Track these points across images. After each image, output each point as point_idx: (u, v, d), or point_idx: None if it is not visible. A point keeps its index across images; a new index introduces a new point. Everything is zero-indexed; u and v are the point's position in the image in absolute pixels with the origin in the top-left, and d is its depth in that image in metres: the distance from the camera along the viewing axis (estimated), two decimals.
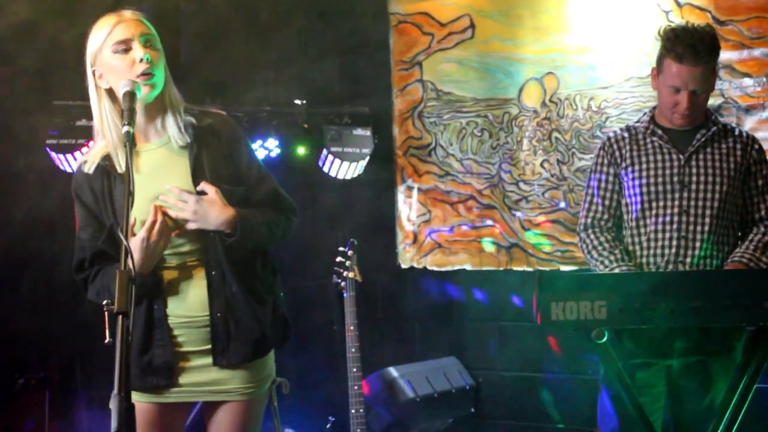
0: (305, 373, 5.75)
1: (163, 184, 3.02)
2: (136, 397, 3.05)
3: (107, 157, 3.07)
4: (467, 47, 5.81)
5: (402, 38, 6.03)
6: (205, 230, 3.04)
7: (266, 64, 6.08)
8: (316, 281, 5.86)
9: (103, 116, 3.05)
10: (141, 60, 2.94)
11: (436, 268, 5.94)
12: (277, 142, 5.73)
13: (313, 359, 5.78)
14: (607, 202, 3.90)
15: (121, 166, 3.04)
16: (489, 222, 5.76)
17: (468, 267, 5.83)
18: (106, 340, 2.53)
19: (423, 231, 5.98)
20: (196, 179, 3.07)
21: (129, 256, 2.54)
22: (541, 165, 5.59)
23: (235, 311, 3.10)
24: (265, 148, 5.66)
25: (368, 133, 5.74)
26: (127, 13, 3.04)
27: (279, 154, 5.73)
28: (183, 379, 3.12)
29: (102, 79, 3.03)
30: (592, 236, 3.88)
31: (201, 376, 3.12)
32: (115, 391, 2.33)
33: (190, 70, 5.94)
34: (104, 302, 2.49)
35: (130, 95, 2.89)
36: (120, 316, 2.45)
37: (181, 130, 3.07)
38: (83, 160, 3.12)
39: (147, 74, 2.95)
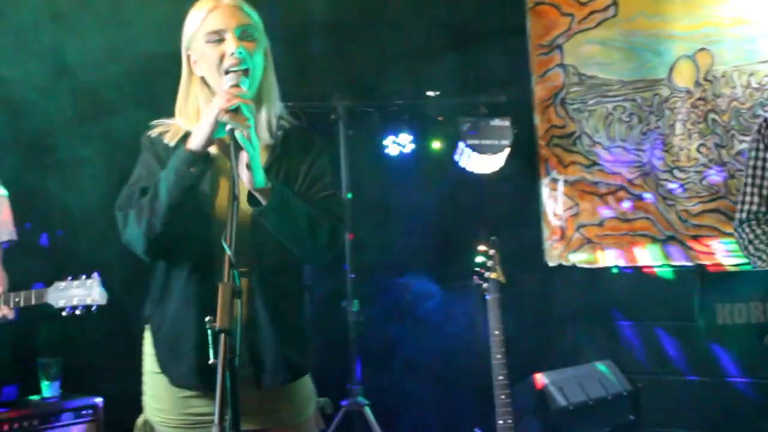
0: (448, 381, 5.49)
1: (228, 174, 2.72)
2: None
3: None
4: (610, 26, 5.42)
5: (540, 21, 5.68)
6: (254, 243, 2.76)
7: (396, 55, 5.84)
8: (457, 282, 5.58)
9: (191, 100, 2.86)
10: (232, 53, 2.73)
11: (586, 266, 5.58)
12: (410, 137, 5.52)
13: (456, 367, 5.51)
14: (765, 192, 3.58)
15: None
16: (642, 214, 5.34)
17: (621, 263, 5.43)
18: (211, 361, 2.29)
19: (571, 226, 5.61)
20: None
21: (231, 266, 2.31)
22: (698, 150, 5.15)
23: (258, 330, 2.79)
24: (398, 144, 5.46)
25: (507, 123, 5.40)
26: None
27: (413, 150, 5.51)
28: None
29: (196, 65, 2.84)
30: (747, 230, 3.57)
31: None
32: (216, 419, 2.07)
33: (319, 65, 5.77)
34: (206, 319, 2.27)
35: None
36: (222, 335, 2.21)
37: (272, 128, 2.87)
38: (163, 131, 2.88)
39: (238, 71, 2.72)
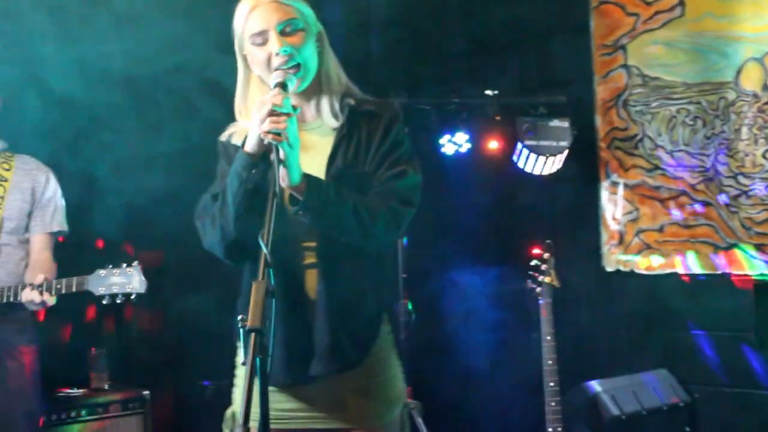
0: (498, 386, 5.40)
1: (302, 166, 2.72)
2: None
3: None
4: (676, 27, 5.26)
5: (604, 20, 5.54)
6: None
7: (456, 53, 5.77)
8: (512, 285, 5.49)
9: (250, 99, 2.85)
10: (277, 54, 2.70)
11: (644, 272, 5.42)
12: (467, 136, 5.44)
13: (508, 371, 5.41)
14: None
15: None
16: (703, 220, 5.18)
17: (681, 270, 5.27)
18: (241, 361, 2.25)
19: (630, 230, 5.47)
20: (331, 163, 2.78)
21: (267, 265, 2.29)
22: (764, 156, 4.98)
23: (315, 315, 2.77)
24: (454, 143, 5.39)
25: (566, 124, 5.29)
26: None
27: (469, 149, 5.45)
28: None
29: (253, 64, 2.82)
30: None
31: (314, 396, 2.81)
32: (240, 421, 2.02)
33: (377, 62, 5.73)
34: (239, 317, 2.23)
35: (282, 87, 2.63)
36: (252, 334, 2.18)
37: (336, 113, 2.82)
38: (232, 132, 2.89)
39: (287, 69, 2.68)
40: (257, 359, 2.16)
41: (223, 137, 2.88)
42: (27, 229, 4.45)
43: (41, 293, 4.02)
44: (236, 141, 2.83)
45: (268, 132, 2.49)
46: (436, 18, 5.78)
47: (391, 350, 2.89)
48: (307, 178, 2.61)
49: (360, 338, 2.79)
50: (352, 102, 2.83)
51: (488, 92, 5.36)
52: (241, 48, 2.81)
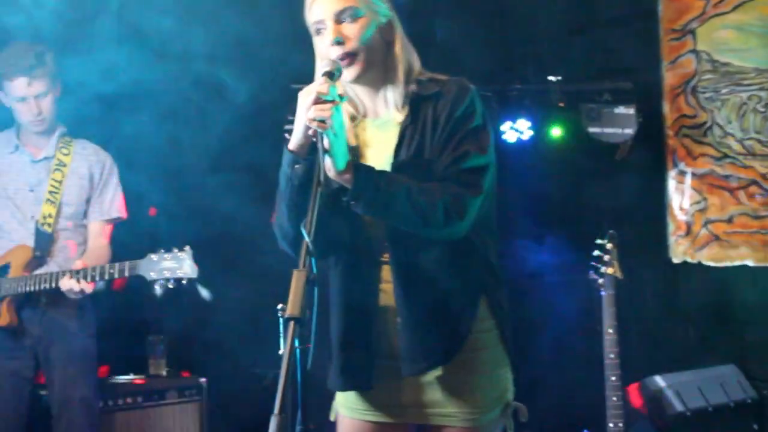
0: (560, 379, 5.29)
1: (370, 160, 2.69)
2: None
3: None
4: (748, 10, 5.11)
5: (672, 4, 5.40)
6: None
7: (520, 38, 5.67)
8: (576, 276, 5.38)
9: None
10: (332, 44, 2.63)
11: (712, 264, 5.28)
12: (529, 123, 5.35)
13: (570, 365, 5.30)
14: None
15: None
16: None
17: (750, 263, 5.13)
18: (280, 351, 2.19)
19: (698, 221, 5.33)
20: (397, 154, 2.68)
21: (309, 253, 2.25)
22: None
23: (396, 314, 2.72)
24: (516, 130, 5.30)
25: (632, 111, 5.18)
26: None
27: (531, 137, 5.35)
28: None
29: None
30: None
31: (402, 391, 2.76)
32: (276, 410, 1.97)
33: (440, 47, 5.66)
34: (279, 306, 2.18)
35: (329, 75, 2.55)
36: (291, 323, 2.14)
37: (398, 104, 2.71)
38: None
39: (343, 59, 2.63)
40: (297, 349, 2.12)
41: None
42: (85, 215, 4.46)
43: (78, 281, 4.01)
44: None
45: (313, 119, 2.42)
46: (501, 3, 5.68)
47: (493, 346, 2.74)
48: (355, 166, 2.53)
49: (445, 334, 2.69)
50: (414, 88, 2.72)
51: (551, 78, 5.27)
52: (314, 39, 2.76)
